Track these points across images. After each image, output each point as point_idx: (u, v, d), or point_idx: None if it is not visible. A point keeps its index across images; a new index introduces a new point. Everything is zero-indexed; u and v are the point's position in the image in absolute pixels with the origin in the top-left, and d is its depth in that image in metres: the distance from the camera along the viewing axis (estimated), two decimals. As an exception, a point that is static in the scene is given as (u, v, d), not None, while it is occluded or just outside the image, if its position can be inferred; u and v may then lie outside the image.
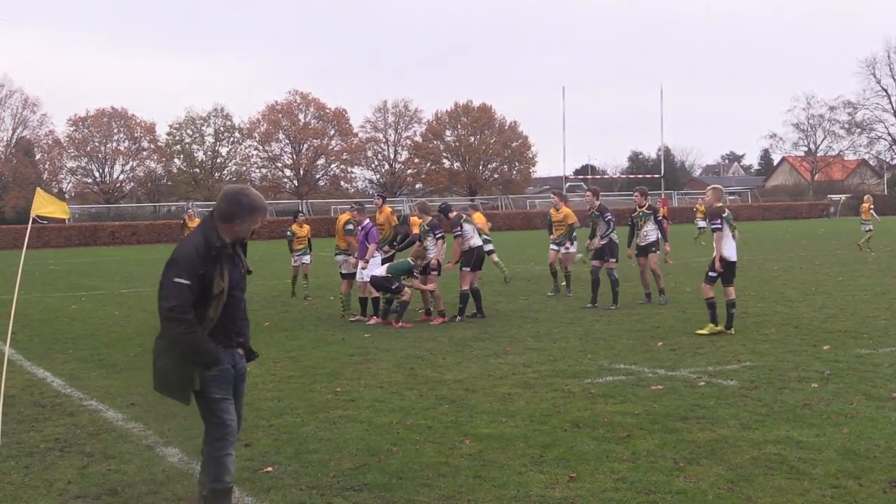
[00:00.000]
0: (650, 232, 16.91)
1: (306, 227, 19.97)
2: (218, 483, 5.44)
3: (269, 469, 6.70)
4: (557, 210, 18.84)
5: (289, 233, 19.84)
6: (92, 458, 7.09)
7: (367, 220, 15.97)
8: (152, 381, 5.51)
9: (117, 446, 7.53)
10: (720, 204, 13.08)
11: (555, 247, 18.82)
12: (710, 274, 12.82)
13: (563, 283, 18.65)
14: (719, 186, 13.94)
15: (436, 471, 6.54)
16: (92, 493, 6.30)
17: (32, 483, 6.56)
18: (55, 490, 6.39)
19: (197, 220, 22.88)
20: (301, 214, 20.57)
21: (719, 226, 12.69)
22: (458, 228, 15.19)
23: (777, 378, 9.52)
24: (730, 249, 12.76)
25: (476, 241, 15.35)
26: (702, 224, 36.78)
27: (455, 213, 15.66)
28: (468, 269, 15.18)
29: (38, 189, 8.91)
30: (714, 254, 12.79)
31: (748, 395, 8.78)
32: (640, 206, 17.09)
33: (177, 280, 5.19)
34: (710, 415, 8.00)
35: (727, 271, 12.77)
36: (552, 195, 19.76)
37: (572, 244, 18.67)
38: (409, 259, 15.14)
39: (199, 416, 5.50)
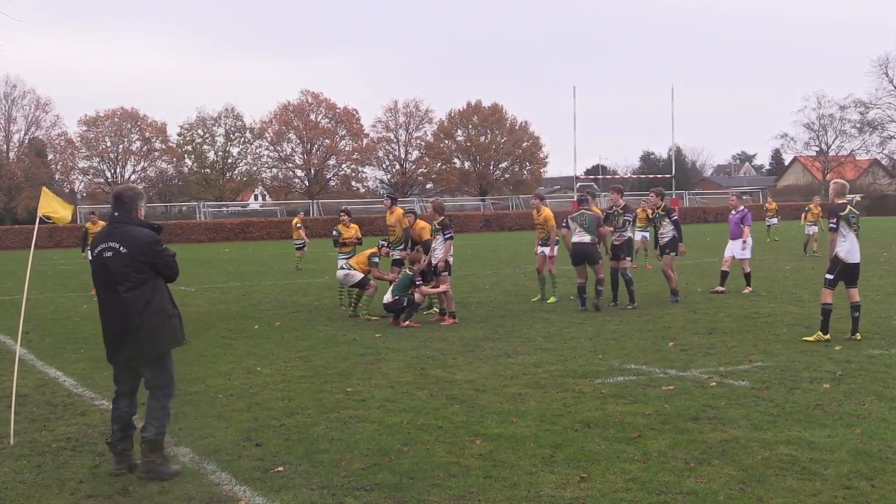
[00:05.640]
0: (667, 232, 16.92)
1: (354, 227, 17.92)
2: (164, 430, 6.77)
3: (280, 469, 6.70)
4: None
5: (334, 233, 17.93)
6: (103, 458, 7.10)
7: (742, 207, 19.12)
8: (164, 342, 6.78)
9: (129, 446, 7.54)
10: (842, 201, 11.98)
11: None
12: (828, 277, 11.90)
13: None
14: (843, 181, 12.53)
15: (446, 471, 6.54)
16: (103, 493, 6.31)
17: (44, 482, 6.58)
18: (67, 489, 6.41)
19: (101, 223, 21.61)
20: (343, 214, 18.40)
21: (835, 226, 11.77)
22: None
23: (788, 378, 9.49)
24: (850, 250, 11.84)
25: (576, 237, 15.92)
26: (772, 221, 38.94)
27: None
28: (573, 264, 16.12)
29: (44, 188, 8.91)
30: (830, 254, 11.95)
31: (759, 395, 8.75)
32: (657, 208, 17.14)
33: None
34: (722, 415, 7.97)
35: (849, 273, 11.89)
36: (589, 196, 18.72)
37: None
38: (406, 271, 15.14)
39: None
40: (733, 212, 19.21)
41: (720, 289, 18.22)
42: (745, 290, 18.08)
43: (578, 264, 15.97)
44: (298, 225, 30.26)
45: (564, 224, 16.28)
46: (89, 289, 21.43)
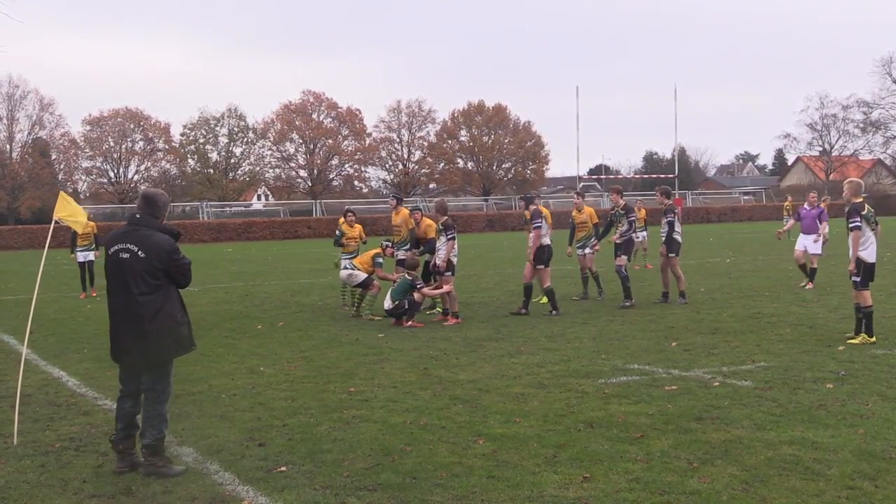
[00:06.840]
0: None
1: (357, 227, 17.55)
2: (161, 435, 6.78)
3: (283, 469, 6.71)
4: (580, 211, 18.26)
5: (337, 232, 17.50)
6: (107, 458, 7.11)
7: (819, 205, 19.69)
8: (170, 350, 6.84)
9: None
10: (859, 200, 11.83)
11: (582, 250, 18.00)
12: (856, 280, 11.73)
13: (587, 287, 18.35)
14: (858, 180, 12.39)
15: (449, 471, 6.54)
16: (107, 493, 6.32)
17: (48, 482, 6.59)
18: (70, 489, 6.42)
19: (91, 224, 21.38)
20: (350, 213, 17.90)
21: (858, 224, 11.58)
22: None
23: (792, 378, 9.48)
24: (869, 250, 11.76)
25: (547, 240, 15.57)
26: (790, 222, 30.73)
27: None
28: (543, 266, 15.52)
29: (62, 193, 9.00)
30: (851, 255, 11.75)
31: (763, 395, 8.74)
32: (664, 206, 16.98)
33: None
34: (725, 415, 7.97)
35: (866, 274, 11.73)
36: (574, 195, 19.05)
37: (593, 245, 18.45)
38: (405, 276, 15.11)
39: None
40: (808, 207, 19.57)
41: (810, 285, 18.54)
42: (808, 286, 18.46)
43: (546, 265, 15.51)
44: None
45: (538, 224, 15.50)
46: (90, 289, 21.42)
